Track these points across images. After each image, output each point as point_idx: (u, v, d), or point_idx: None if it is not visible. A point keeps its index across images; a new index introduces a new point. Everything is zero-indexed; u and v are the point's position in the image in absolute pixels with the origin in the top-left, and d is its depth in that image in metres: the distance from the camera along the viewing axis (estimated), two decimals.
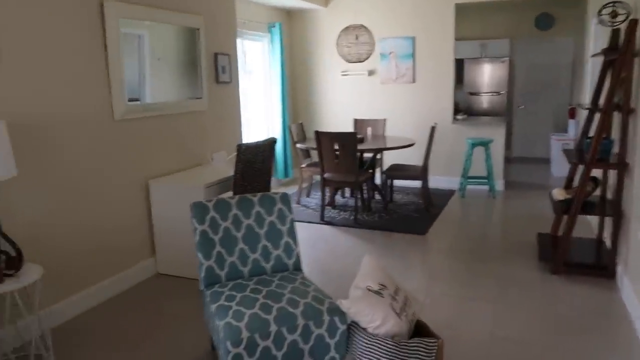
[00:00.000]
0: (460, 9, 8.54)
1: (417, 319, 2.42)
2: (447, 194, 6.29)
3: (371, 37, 5.50)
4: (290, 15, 7.15)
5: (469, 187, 6.59)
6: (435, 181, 6.77)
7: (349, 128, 6.89)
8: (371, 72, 6.85)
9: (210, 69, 4.47)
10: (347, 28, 5.51)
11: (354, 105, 7.06)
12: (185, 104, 4.12)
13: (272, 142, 3.84)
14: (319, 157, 5.09)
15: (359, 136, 5.51)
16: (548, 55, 8.50)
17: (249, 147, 3.57)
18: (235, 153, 3.55)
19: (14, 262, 2.45)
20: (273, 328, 2.17)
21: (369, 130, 6.33)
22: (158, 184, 3.69)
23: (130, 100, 3.55)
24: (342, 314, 2.30)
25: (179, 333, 2.95)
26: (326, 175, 5.16)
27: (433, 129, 5.32)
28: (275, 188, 6.82)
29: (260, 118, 6.86)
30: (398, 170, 5.50)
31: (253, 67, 6.78)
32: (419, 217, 5.24)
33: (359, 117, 6.91)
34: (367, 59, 5.59)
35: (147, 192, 3.75)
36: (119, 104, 3.42)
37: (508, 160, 8.59)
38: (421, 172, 5.32)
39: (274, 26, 6.58)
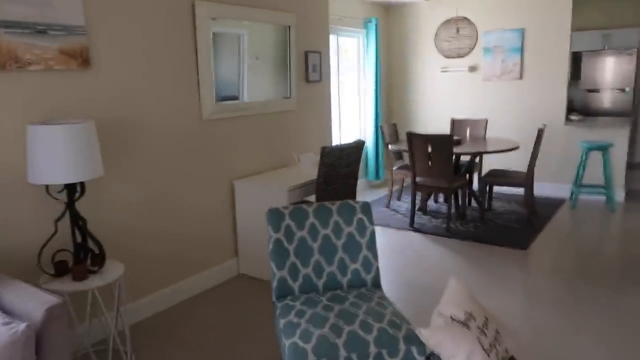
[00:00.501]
0: None
1: (510, 356, 2.10)
2: (555, 204, 5.66)
3: (473, 31, 5.09)
4: (387, 10, 6.88)
5: (581, 196, 5.88)
6: (542, 188, 6.14)
7: (446, 129, 6.48)
8: (472, 68, 6.37)
9: (300, 67, 4.38)
10: (447, 21, 5.14)
11: (452, 104, 6.62)
12: (274, 103, 4.07)
13: (359, 145, 3.65)
14: (410, 160, 4.80)
15: (455, 138, 5.12)
16: None
17: (333, 150, 3.41)
18: (319, 156, 3.42)
19: (98, 260, 2.52)
20: (342, 353, 1.99)
21: (468, 131, 5.89)
22: (243, 184, 3.67)
23: (226, 99, 3.56)
24: (420, 344, 2.06)
25: (252, 341, 2.89)
26: (418, 179, 4.86)
27: (541, 131, 4.78)
28: (366, 190, 6.63)
29: (353, 117, 6.69)
30: (498, 176, 5.03)
31: (347, 65, 6.62)
32: (520, 229, 4.75)
33: (457, 116, 6.47)
34: (468, 54, 5.18)
35: (232, 192, 3.75)
36: (207, 104, 3.43)
37: (631, 166, 7.58)
38: (525, 179, 4.82)
39: (370, 21, 6.36)
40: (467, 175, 5.51)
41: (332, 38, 6.00)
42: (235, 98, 3.71)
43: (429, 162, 4.69)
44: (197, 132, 3.41)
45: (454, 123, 6.05)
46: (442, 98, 6.68)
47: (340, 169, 3.53)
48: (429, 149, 4.65)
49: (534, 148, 4.80)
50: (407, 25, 6.81)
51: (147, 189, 3.11)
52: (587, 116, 7.32)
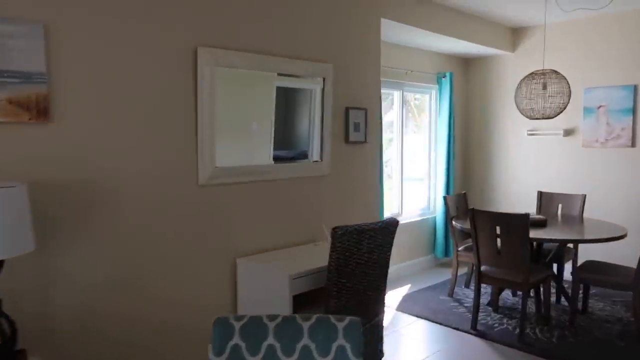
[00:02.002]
0: None
1: None
2: None
3: (565, 87, 4.13)
4: (465, 63, 6.08)
5: None
6: None
7: (532, 204, 5.35)
8: (569, 132, 5.27)
9: (338, 126, 3.73)
10: (530, 75, 4.23)
11: (542, 174, 5.51)
12: (298, 167, 3.43)
13: (389, 225, 2.85)
14: (473, 243, 3.84)
15: (536, 217, 4.07)
16: None
17: (349, 232, 2.64)
18: (330, 239, 2.67)
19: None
20: None
21: (560, 209, 4.77)
22: (247, 264, 3.00)
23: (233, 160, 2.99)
24: None
25: None
26: (483, 268, 3.86)
27: None
28: (432, 268, 5.63)
29: (422, 185, 5.83)
30: (596, 272, 3.84)
31: (415, 124, 5.86)
32: (625, 347, 3.50)
33: (546, 189, 5.34)
34: (558, 114, 4.20)
35: (234, 271, 3.09)
36: (205, 166, 2.88)
37: None
38: (634, 280, 3.59)
39: (444, 76, 5.61)
40: (555, 265, 4.37)
41: (397, 94, 5.32)
42: (244, 160, 3.13)
43: (498, 248, 3.69)
44: (190, 200, 2.84)
45: (542, 197, 4.94)
46: (529, 166, 5.60)
47: (360, 256, 2.73)
48: (498, 231, 3.67)
49: None
50: (487, 81, 5.93)
51: (117, 266, 2.55)
52: None
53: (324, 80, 3.54)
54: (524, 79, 4.31)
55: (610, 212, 4.96)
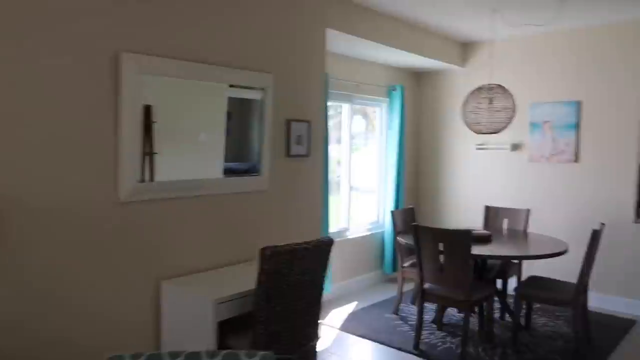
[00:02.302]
0: None
1: None
2: (622, 326, 4.29)
3: (511, 102, 4.14)
4: (416, 77, 6.06)
5: None
6: (605, 302, 4.76)
7: (480, 218, 5.33)
8: (516, 146, 5.31)
9: (280, 139, 3.58)
10: (477, 90, 4.21)
11: (490, 188, 5.52)
12: (231, 182, 3.25)
13: (322, 244, 2.70)
14: (417, 260, 3.75)
15: (480, 233, 4.03)
16: None
17: (279, 252, 2.48)
18: (259, 261, 2.50)
19: None
20: None
21: (505, 224, 4.77)
22: (172, 288, 2.80)
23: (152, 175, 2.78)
24: None
25: None
26: (426, 286, 3.77)
27: (596, 233, 3.59)
28: (378, 284, 5.53)
29: (371, 199, 5.75)
30: (538, 288, 3.82)
31: (363, 138, 5.79)
32: None
33: (494, 203, 5.34)
34: (503, 129, 4.20)
35: (157, 296, 2.88)
36: (127, 182, 2.66)
37: None
38: (574, 296, 3.58)
39: (394, 89, 5.56)
40: (501, 280, 4.35)
41: (347, 106, 5.22)
42: (189, 173, 2.94)
43: (441, 265, 3.61)
44: (108, 219, 2.62)
45: (488, 212, 4.93)
46: (478, 180, 5.61)
47: (291, 277, 2.58)
48: (440, 247, 3.60)
49: (586, 255, 3.60)
50: (438, 94, 5.93)
51: (31, 293, 2.30)
52: None
53: (264, 90, 3.39)
54: (471, 93, 4.29)
55: (554, 226, 4.99)
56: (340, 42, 4.47)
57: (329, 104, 4.95)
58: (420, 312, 3.77)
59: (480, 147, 5.53)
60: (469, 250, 3.46)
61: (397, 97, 5.54)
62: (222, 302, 2.56)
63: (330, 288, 4.75)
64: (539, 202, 5.14)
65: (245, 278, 2.87)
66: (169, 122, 2.91)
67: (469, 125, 4.32)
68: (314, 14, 3.80)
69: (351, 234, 5.31)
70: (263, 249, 2.45)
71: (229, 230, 3.26)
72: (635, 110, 4.59)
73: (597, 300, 4.78)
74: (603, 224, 3.84)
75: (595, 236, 3.58)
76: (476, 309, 4.19)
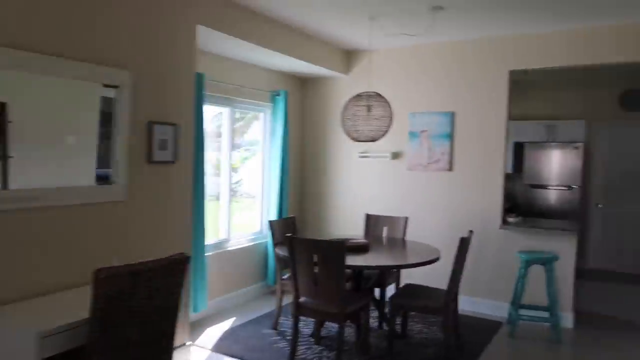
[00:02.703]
0: (523, 84, 7.00)
1: None
2: (490, 328, 4.48)
3: (389, 110, 4.17)
4: (302, 83, 5.96)
5: (522, 320, 4.70)
6: (475, 305, 4.97)
7: (362, 228, 5.30)
8: (396, 155, 5.39)
9: (140, 143, 3.22)
10: (356, 97, 4.18)
11: (372, 196, 5.56)
12: (79, 192, 2.84)
13: (176, 262, 2.42)
14: (291, 272, 3.58)
15: (358, 242, 3.97)
16: (639, 141, 6.66)
17: (117, 274, 2.15)
18: (92, 284, 2.16)
19: None
20: None
21: (385, 232, 4.79)
22: None
23: None
24: None
25: None
26: (302, 299, 3.62)
27: (464, 241, 3.68)
28: (260, 297, 5.30)
29: (255, 209, 5.52)
30: (411, 296, 3.83)
31: (252, 144, 5.56)
32: None
33: (376, 211, 5.38)
34: (381, 137, 4.21)
35: None
36: None
37: (582, 274, 6.57)
38: (444, 303, 3.63)
39: (278, 94, 5.39)
40: (378, 289, 4.33)
41: (226, 111, 4.95)
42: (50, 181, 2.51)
43: (315, 278, 3.47)
44: None
45: (370, 220, 4.94)
46: (361, 188, 5.62)
47: (136, 302, 2.26)
48: (315, 259, 3.46)
49: (454, 263, 3.67)
50: (323, 101, 5.87)
51: None
52: (529, 217, 6.38)
53: (118, 89, 3.02)
54: (350, 100, 4.24)
55: (431, 233, 5.12)
56: (217, 42, 4.21)
57: (206, 107, 4.66)
58: (295, 328, 3.60)
59: (363, 155, 5.55)
60: (343, 261, 3.36)
61: (281, 103, 5.38)
62: (49, 336, 2.17)
63: (205, 305, 4.44)
64: (417, 209, 5.25)
65: (83, 304, 2.49)
66: (28, 123, 2.50)
67: (347, 132, 4.27)
68: (183, 9, 3.51)
69: (232, 245, 5.03)
70: (97, 271, 2.11)
71: (73, 248, 2.84)
72: (499, 124, 4.85)
73: (468, 304, 4.97)
74: (471, 231, 3.97)
75: (463, 244, 3.66)
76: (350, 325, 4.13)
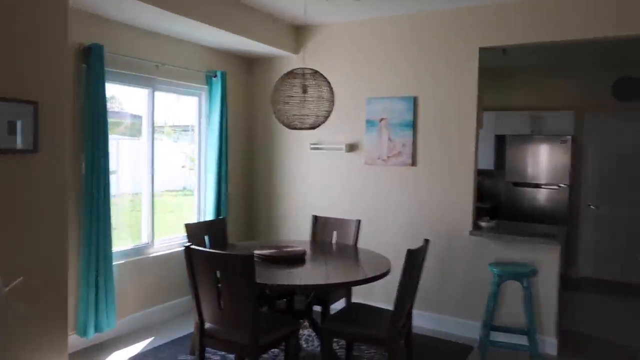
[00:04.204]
0: (504, 70, 6.24)
1: None
2: (458, 353, 3.72)
3: (326, 92, 3.40)
4: (247, 64, 5.17)
5: (498, 341, 3.91)
6: (440, 323, 4.20)
7: (307, 233, 4.50)
8: (352, 147, 4.62)
9: None
10: (288, 74, 3.40)
11: (324, 193, 4.78)
12: None
13: None
14: (192, 293, 2.80)
15: (292, 251, 3.20)
16: (634, 134, 5.91)
17: None
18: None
19: None
20: None
21: (335, 237, 4.03)
22: None
23: None
24: None
25: None
26: (207, 326, 2.84)
27: (412, 254, 2.88)
28: (190, 313, 4.50)
29: (189, 208, 4.74)
30: (348, 322, 3.04)
31: (184, 132, 4.79)
32: None
33: (328, 212, 4.60)
34: (319, 124, 3.44)
35: None
36: None
37: (570, 284, 5.81)
38: (388, 333, 2.84)
39: (215, 76, 4.60)
40: (320, 308, 3.56)
41: (145, 92, 4.16)
42: None
43: (218, 300, 2.70)
44: None
45: (317, 223, 4.16)
46: (313, 185, 4.84)
47: None
48: (219, 276, 2.69)
49: (401, 281, 2.88)
50: (271, 84, 5.09)
51: None
52: (512, 219, 5.62)
53: None
54: (280, 78, 3.45)
55: (389, 238, 4.37)
56: (119, 5, 3.41)
57: (116, 86, 3.89)
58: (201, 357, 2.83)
59: (315, 147, 4.77)
60: (252, 279, 2.58)
61: (218, 85, 4.59)
62: None
63: (112, 324, 3.66)
64: (375, 211, 4.48)
65: None
66: None
67: (279, 118, 3.48)
68: None
69: (155, 251, 4.25)
70: None
71: None
72: (469, 111, 4.08)
73: (432, 322, 4.21)
74: (427, 240, 3.19)
75: (412, 258, 2.88)
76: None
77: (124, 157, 4.26)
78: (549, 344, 3.81)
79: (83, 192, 3.52)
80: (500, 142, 6.39)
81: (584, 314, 4.78)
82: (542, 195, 6.07)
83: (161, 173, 4.37)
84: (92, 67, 3.49)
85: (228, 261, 2.61)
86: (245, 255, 2.56)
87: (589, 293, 5.57)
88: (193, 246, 2.72)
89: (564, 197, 5.96)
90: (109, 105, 3.68)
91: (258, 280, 2.65)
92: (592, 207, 6.10)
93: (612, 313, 4.92)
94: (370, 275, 2.95)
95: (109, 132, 3.64)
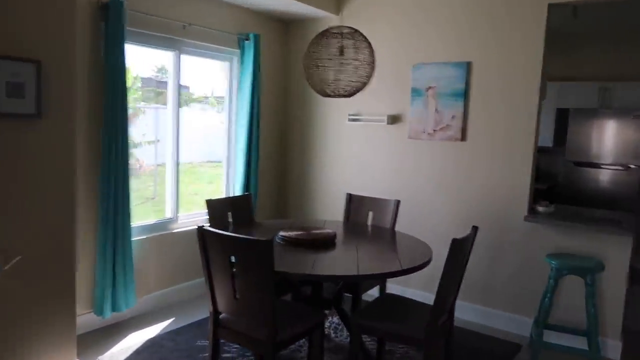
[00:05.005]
0: (570, 36, 5.54)
1: None
2: (505, 352, 3.32)
3: (371, 54, 2.98)
4: (283, 27, 4.77)
5: (551, 341, 3.46)
6: (489, 318, 3.79)
7: (340, 213, 4.13)
8: (395, 119, 4.18)
9: None
10: (324, 33, 2.99)
11: (363, 169, 4.39)
12: None
13: None
14: (206, 279, 2.52)
15: (320, 233, 2.87)
16: None
17: None
18: None
19: None
20: None
21: (370, 217, 3.66)
22: None
23: None
24: None
25: None
26: (222, 316, 2.56)
27: (457, 245, 2.48)
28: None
29: (219, 181, 4.48)
30: (381, 316, 2.69)
31: (202, 102, 4.49)
32: None
33: (365, 190, 4.22)
34: (357, 91, 3.03)
35: None
36: None
37: (637, 274, 5.19)
38: (427, 333, 2.48)
39: (247, 39, 4.24)
40: (351, 296, 3.23)
41: (170, 55, 3.85)
42: None
43: (234, 288, 2.41)
44: None
45: (352, 201, 3.79)
46: (350, 160, 4.46)
47: None
48: (233, 262, 2.38)
49: (444, 274, 2.49)
50: (304, 51, 4.67)
51: None
52: (571, 204, 5.04)
53: None
54: (315, 38, 3.05)
55: (435, 223, 3.96)
56: None
57: (138, 48, 3.61)
58: (214, 354, 2.57)
59: (354, 118, 4.36)
60: (270, 267, 2.26)
61: (250, 50, 4.23)
62: None
63: (133, 302, 3.48)
64: (416, 190, 4.06)
65: None
66: None
67: (313, 85, 3.10)
68: None
69: (179, 227, 4.03)
70: None
71: None
72: (532, 79, 3.54)
73: (478, 315, 3.80)
74: (476, 227, 2.76)
75: (457, 248, 2.48)
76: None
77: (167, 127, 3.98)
78: (612, 347, 3.34)
79: (100, 164, 3.29)
80: (562, 117, 5.74)
81: None
82: (608, 177, 5.43)
83: (204, 143, 4.14)
84: (110, 26, 3.20)
85: (243, 245, 2.30)
86: (262, 240, 2.23)
87: None
88: (205, 227, 2.42)
89: (634, 179, 5.30)
90: (157, 75, 3.42)
91: (277, 269, 2.32)
92: None
93: None
94: (406, 266, 2.57)
95: (151, 101, 3.37)
